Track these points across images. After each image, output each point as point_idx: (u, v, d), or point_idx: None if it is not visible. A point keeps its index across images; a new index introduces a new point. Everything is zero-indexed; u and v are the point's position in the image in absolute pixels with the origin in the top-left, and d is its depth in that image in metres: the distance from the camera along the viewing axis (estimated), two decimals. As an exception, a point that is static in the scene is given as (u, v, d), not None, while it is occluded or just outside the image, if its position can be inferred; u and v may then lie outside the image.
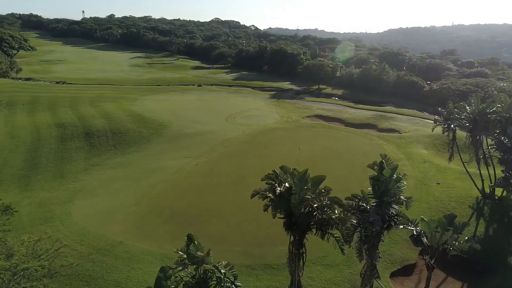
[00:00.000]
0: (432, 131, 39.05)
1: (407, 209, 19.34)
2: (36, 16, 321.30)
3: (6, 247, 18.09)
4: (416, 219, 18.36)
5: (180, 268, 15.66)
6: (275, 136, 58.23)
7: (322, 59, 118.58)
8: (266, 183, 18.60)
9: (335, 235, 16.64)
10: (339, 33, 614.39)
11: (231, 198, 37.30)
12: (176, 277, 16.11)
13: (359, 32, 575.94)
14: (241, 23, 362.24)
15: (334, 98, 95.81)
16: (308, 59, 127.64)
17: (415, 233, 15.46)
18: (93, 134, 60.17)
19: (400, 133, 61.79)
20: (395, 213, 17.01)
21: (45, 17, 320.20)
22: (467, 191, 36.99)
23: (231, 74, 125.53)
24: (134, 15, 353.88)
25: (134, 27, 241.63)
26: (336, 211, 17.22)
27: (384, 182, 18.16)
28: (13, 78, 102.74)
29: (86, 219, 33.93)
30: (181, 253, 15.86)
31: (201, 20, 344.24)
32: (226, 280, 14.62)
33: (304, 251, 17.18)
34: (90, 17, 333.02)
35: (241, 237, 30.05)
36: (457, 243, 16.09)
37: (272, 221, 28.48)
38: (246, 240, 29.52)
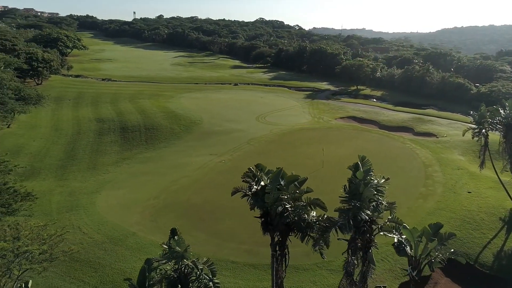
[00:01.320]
0: (463, 135, 36.45)
1: (391, 215, 18.11)
2: (92, 17, 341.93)
3: (16, 231, 19.41)
4: (400, 226, 17.04)
5: (164, 261, 15.87)
6: (303, 136, 57.37)
7: (361, 59, 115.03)
8: (243, 181, 18.33)
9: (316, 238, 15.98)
10: (387, 32, 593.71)
11: (247, 197, 37.28)
12: (161, 269, 16.35)
13: (409, 31, 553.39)
14: (285, 23, 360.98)
15: (372, 99, 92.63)
16: (348, 59, 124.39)
17: (396, 240, 14.34)
18: (128, 129, 62.85)
19: (437, 138, 58.43)
20: (366, 218, 15.92)
21: (100, 18, 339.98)
22: (500, 202, 34.16)
23: (268, 74, 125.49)
24: (181, 16, 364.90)
25: (180, 27, 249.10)
26: (313, 213, 16.50)
27: (356, 185, 17.09)
28: (64, 75, 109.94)
29: (108, 209, 35.49)
30: (165, 246, 16.08)
31: (246, 20, 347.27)
32: (204, 277, 14.59)
33: (287, 252, 16.64)
34: (140, 18, 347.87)
35: (250, 236, 29.81)
36: (440, 255, 14.68)
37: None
38: (254, 240, 29.21)
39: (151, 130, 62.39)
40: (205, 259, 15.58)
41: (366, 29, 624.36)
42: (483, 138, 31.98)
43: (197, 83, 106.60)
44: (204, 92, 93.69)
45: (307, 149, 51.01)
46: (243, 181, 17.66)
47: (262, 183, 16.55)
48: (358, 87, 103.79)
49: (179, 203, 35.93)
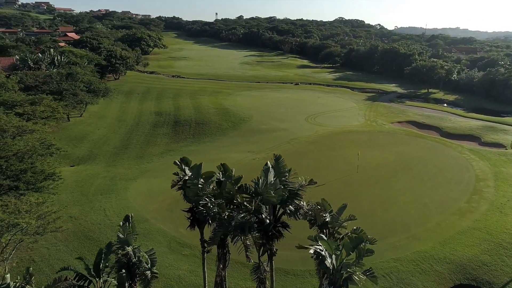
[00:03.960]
0: (506, 149, 31.31)
1: (297, 219, 16.07)
2: (178, 18, 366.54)
3: (18, 206, 21.81)
4: (315, 236, 14.78)
5: (119, 246, 16.49)
6: (347, 139, 54.69)
7: (436, 60, 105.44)
8: (174, 173, 18.01)
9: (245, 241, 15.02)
10: (486, 32, 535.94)
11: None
12: (118, 254, 17.00)
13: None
14: (366, 23, 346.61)
15: (442, 104, 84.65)
16: (424, 60, 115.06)
17: (312, 251, 12.64)
18: (180, 122, 66.18)
19: (506, 149, 51.15)
20: (266, 221, 14.32)
21: (184, 19, 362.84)
22: (555, 229, 28.79)
23: (334, 74, 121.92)
24: (260, 16, 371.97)
25: (256, 27, 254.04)
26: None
27: (256, 185, 15.71)
28: (140, 71, 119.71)
29: (135, 196, 37.85)
30: (120, 232, 16.68)
31: (324, 20, 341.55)
32: (145, 267, 14.79)
33: (227, 251, 15.92)
34: (221, 19, 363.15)
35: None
36: (355, 271, 12.53)
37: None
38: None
39: (201, 125, 64.86)
40: (150, 249, 15.80)
41: (461, 28, 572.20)
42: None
43: (259, 82, 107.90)
44: (262, 90, 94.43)
45: (347, 152, 48.45)
46: (173, 173, 17.65)
47: (186, 177, 16.23)
48: (429, 90, 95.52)
49: (199, 196, 36.89)
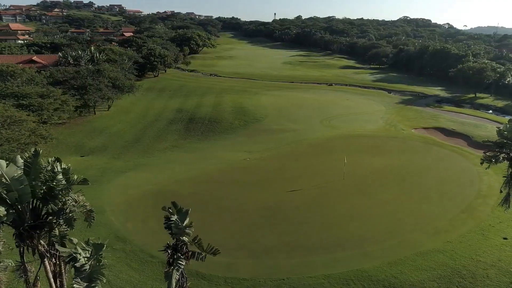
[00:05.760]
0: (481, 163, 26.57)
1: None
2: (236, 19, 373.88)
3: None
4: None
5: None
6: (352, 143, 51.30)
7: (487, 62, 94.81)
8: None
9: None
10: None
11: (243, 196, 35.70)
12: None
13: None
14: (432, 22, 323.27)
15: (487, 111, 75.96)
16: (480, 62, 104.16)
17: (66, 255, 11.45)
18: (194, 120, 67.16)
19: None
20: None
21: (243, 20, 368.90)
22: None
23: (376, 75, 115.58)
24: (319, 16, 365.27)
25: (308, 27, 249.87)
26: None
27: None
28: (182, 69, 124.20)
29: (111, 187, 39.03)
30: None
31: (387, 19, 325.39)
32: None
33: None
34: (279, 19, 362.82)
35: (226, 240, 28.10)
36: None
37: (275, 230, 26.41)
38: (229, 245, 27.39)
39: (213, 123, 65.22)
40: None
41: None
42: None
43: (292, 82, 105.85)
44: (291, 91, 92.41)
45: (343, 158, 45.45)
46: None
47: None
48: (477, 94, 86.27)
49: (167, 191, 36.91)
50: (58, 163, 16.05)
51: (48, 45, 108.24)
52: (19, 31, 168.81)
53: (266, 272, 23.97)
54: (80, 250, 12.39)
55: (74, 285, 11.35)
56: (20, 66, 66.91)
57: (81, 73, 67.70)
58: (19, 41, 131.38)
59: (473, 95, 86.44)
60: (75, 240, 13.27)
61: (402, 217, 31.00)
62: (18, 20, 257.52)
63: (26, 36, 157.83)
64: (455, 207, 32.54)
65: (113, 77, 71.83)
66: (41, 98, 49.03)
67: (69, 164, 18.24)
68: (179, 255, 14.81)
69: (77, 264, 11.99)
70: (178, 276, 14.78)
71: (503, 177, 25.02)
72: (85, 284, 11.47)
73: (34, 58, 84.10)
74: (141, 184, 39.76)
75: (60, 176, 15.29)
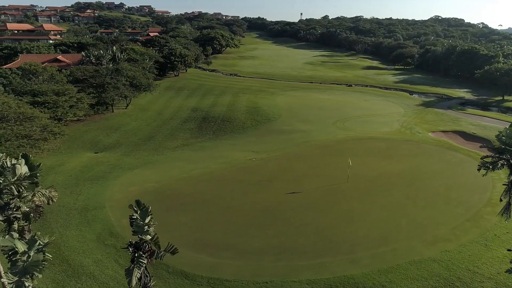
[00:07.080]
0: (478, 170, 24.92)
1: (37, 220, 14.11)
2: (262, 19, 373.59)
3: None
4: None
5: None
6: (362, 146, 49.98)
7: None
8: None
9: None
10: None
11: (243, 196, 35.53)
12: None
13: None
14: (466, 21, 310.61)
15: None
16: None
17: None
18: (207, 119, 67.60)
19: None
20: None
21: (269, 20, 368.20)
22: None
23: (399, 76, 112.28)
24: (346, 16, 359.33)
25: (335, 27, 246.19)
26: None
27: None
28: (203, 68, 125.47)
29: (117, 184, 39.79)
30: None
31: (417, 19, 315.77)
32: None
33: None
34: (306, 19, 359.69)
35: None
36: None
37: (267, 232, 27.01)
38: (218, 245, 27.48)
39: (225, 122, 65.39)
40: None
41: None
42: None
43: (311, 82, 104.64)
44: (309, 91, 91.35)
45: (351, 160, 44.35)
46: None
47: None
48: (505, 97, 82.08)
49: (168, 189, 37.26)
50: (7, 161, 16.09)
51: (75, 44, 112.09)
52: (51, 32, 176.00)
53: (250, 274, 23.65)
54: (19, 245, 12.60)
55: (1, 279, 11.54)
56: (44, 65, 69.59)
57: (100, 72, 69.60)
58: (50, 41, 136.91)
59: (501, 98, 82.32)
60: (15, 235, 13.55)
61: (401, 223, 29.83)
62: (52, 21, 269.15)
63: (58, 36, 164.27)
64: (460, 215, 30.96)
65: (131, 75, 73.38)
66: (56, 95, 50.73)
67: (39, 162, 18.53)
68: (141, 253, 14.78)
69: (13, 258, 12.19)
70: (140, 274, 14.74)
71: (503, 184, 23.53)
72: (16, 278, 11.64)
73: (59, 57, 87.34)
74: (144, 181, 40.32)
75: (8, 173, 15.41)
